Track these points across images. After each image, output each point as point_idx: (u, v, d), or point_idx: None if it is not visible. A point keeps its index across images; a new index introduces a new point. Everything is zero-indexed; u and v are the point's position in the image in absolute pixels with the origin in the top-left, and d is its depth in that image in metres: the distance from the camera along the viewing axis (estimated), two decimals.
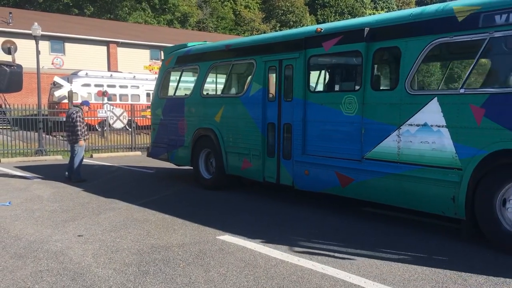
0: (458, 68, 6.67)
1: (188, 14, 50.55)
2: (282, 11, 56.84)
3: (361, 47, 6.55)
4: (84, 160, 10.89)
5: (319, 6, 60.02)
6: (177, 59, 10.27)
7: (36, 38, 16.01)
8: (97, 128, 19.26)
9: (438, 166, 5.67)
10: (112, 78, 24.98)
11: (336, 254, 5.15)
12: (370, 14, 51.53)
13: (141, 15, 47.61)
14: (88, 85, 23.46)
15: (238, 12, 56.11)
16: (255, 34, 49.46)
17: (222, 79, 9.44)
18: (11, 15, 31.76)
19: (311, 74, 7.56)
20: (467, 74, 5.75)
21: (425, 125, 5.80)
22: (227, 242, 5.61)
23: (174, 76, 10.61)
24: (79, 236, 5.91)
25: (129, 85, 25.18)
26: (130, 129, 17.75)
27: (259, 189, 8.97)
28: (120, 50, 35.50)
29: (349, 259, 4.98)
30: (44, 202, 8.03)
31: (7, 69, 4.09)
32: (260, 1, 58.71)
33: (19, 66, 4.21)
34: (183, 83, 10.73)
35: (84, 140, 10.59)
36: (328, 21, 52.97)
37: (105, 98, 22.11)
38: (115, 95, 24.39)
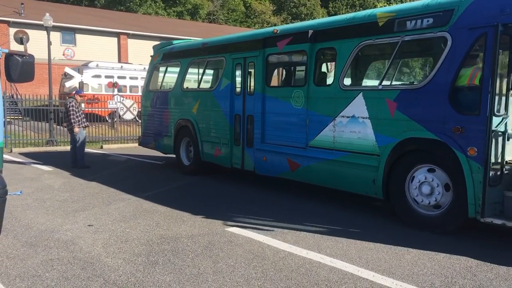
0: (379, 67, 7.61)
1: (198, 6, 50.46)
2: (294, 4, 56.54)
3: (306, 47, 7.39)
4: (94, 151, 11.01)
5: None
6: (163, 56, 11.23)
7: (47, 29, 16.07)
8: (107, 119, 19.35)
9: (363, 153, 6.50)
10: (123, 69, 25.05)
11: (345, 248, 5.14)
12: (381, 7, 51.02)
13: (152, 6, 47.60)
14: (98, 76, 23.55)
15: (248, 4, 55.92)
16: (266, 26, 49.31)
17: (199, 74, 10.26)
18: (23, 5, 31.93)
19: (268, 71, 8.37)
20: (384, 72, 6.64)
21: (353, 116, 6.62)
22: (236, 234, 5.63)
23: (160, 71, 11.53)
24: (89, 225, 5.96)
25: (139, 76, 25.22)
26: (140, 121, 17.81)
27: (258, 180, 8.98)
28: (131, 42, 35.60)
29: (358, 253, 4.97)
30: (55, 192, 8.10)
31: (19, 59, 4.10)
32: None
33: (31, 56, 4.23)
34: (168, 78, 11.45)
35: (84, 127, 10.98)
36: (339, 14, 52.64)
37: (115, 89, 22.19)
38: (125, 86, 24.46)
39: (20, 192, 7.94)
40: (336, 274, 4.37)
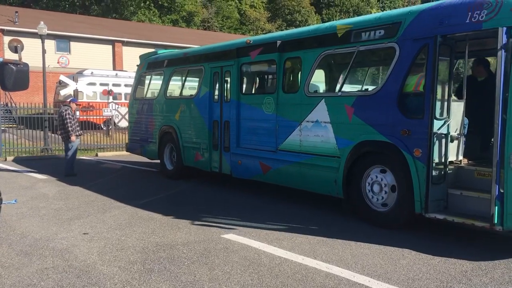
0: (339, 75, 7.98)
1: (193, 13, 50.57)
2: (288, 11, 56.77)
3: (276, 57, 7.81)
4: (89, 158, 11.01)
5: (324, 6, 59.91)
6: (148, 65, 11.71)
7: (42, 37, 16.08)
8: (102, 127, 19.31)
9: (325, 155, 6.90)
10: (117, 77, 25.04)
11: (340, 253, 5.15)
12: (375, 13, 51.37)
13: (146, 14, 47.66)
14: (93, 84, 23.53)
15: (243, 12, 56.08)
16: (260, 33, 49.47)
17: (181, 82, 10.82)
18: (17, 14, 31.92)
19: (242, 79, 8.84)
20: (342, 80, 7.13)
21: (317, 121, 7.03)
22: (232, 240, 5.63)
23: (146, 80, 12.04)
24: (84, 234, 5.94)
25: None
26: None
27: (250, 186, 8.98)
28: (126, 49, 35.59)
29: (353, 259, 4.98)
30: (50, 200, 8.07)
31: (13, 67, 4.10)
32: (266, 0, 58.62)
33: (26, 65, 4.23)
34: (152, 86, 11.87)
35: (77, 136, 10.98)
36: (333, 20, 52.90)
37: (110, 97, 22.16)
38: (120, 94, 24.45)
39: (15, 201, 7.92)
40: (332, 280, 4.37)
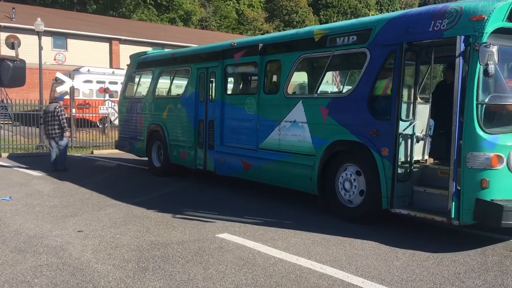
0: (316, 77, 8.11)
1: (191, 13, 50.49)
2: (286, 11, 56.79)
3: (257, 59, 8.14)
4: (84, 156, 11.07)
5: (322, 7, 59.97)
6: (137, 65, 12.02)
7: (38, 34, 16.03)
8: (98, 124, 19.25)
9: (302, 154, 7.22)
10: (114, 75, 24.97)
11: (335, 254, 5.16)
12: (373, 15, 51.50)
13: (145, 12, 47.54)
14: (90, 81, 23.44)
15: (241, 11, 56.05)
16: (258, 33, 49.47)
17: (168, 82, 11.05)
18: (14, 10, 31.79)
19: (227, 80, 9.13)
20: (318, 82, 7.38)
21: (294, 121, 7.36)
22: (226, 240, 5.63)
23: (136, 79, 12.33)
24: (79, 231, 5.93)
25: None
26: None
27: (247, 185, 8.98)
28: (122, 47, 35.50)
29: (348, 259, 4.99)
30: (45, 197, 8.05)
31: (10, 64, 4.11)
32: (263, 0, 58.61)
33: (22, 61, 4.23)
34: (141, 86, 12.13)
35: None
36: (331, 21, 52.96)
37: (107, 95, 22.10)
38: (116, 91, 24.32)
39: (10, 198, 7.90)
40: (326, 281, 4.39)
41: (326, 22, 52.51)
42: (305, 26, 48.81)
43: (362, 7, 60.34)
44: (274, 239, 5.68)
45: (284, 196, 8.28)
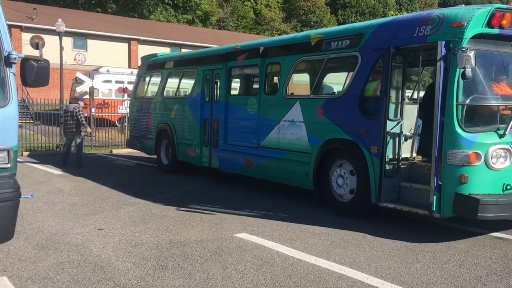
0: (312, 79, 8.63)
1: (209, 13, 50.68)
2: (303, 11, 56.64)
3: (259, 61, 8.56)
4: (104, 155, 11.32)
5: (340, 7, 59.66)
6: (148, 66, 12.55)
7: (60, 34, 16.28)
8: (117, 124, 19.45)
9: (299, 151, 7.59)
10: (133, 74, 25.06)
11: (353, 255, 5.13)
12: (392, 15, 51.09)
13: (163, 13, 47.87)
14: (109, 81, 23.70)
15: (258, 11, 56.06)
16: (275, 34, 49.45)
17: (176, 83, 11.52)
18: (35, 11, 32.32)
19: (230, 81, 9.59)
20: (314, 83, 7.86)
21: (292, 121, 7.75)
22: (245, 239, 5.64)
23: (146, 80, 12.80)
24: (99, 229, 6.01)
25: None
26: None
27: (264, 185, 8.98)
28: (141, 47, 35.78)
29: (367, 261, 4.96)
30: (65, 196, 8.17)
31: (34, 64, 4.17)
32: (281, 0, 58.53)
33: (46, 61, 4.29)
34: (151, 86, 12.56)
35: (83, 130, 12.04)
36: (348, 21, 52.67)
37: (125, 95, 22.31)
38: None
39: (31, 195, 7.98)
40: (345, 282, 4.36)
41: (344, 23, 52.24)
42: (322, 27, 48.85)
43: (381, 7, 59.84)
44: (293, 239, 5.68)
45: (298, 194, 8.25)
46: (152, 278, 4.36)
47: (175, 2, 48.39)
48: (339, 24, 49.33)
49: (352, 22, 41.19)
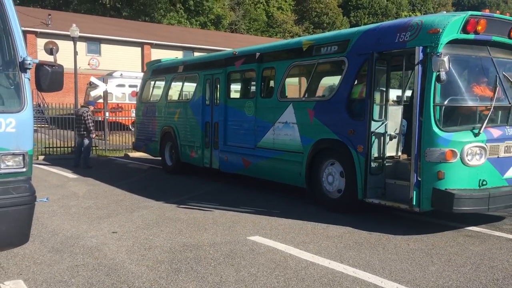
0: (305, 82, 8.94)
1: (221, 16, 50.86)
2: (316, 13, 56.54)
3: (255, 66, 8.97)
4: (117, 158, 11.45)
5: (352, 8, 59.44)
6: (152, 72, 13.03)
7: (74, 39, 16.46)
8: (130, 127, 19.60)
9: (293, 151, 7.99)
10: None
11: (367, 258, 5.09)
12: (406, 16, 50.80)
13: (175, 16, 48.14)
14: (122, 85, 23.87)
15: (270, 14, 56.09)
16: (288, 36, 49.41)
17: (179, 87, 12.06)
18: (50, 16, 32.72)
19: (229, 85, 10.08)
20: (306, 87, 8.31)
21: (286, 122, 8.15)
22: (258, 242, 5.64)
23: (151, 85, 13.25)
24: (113, 232, 6.05)
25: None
26: None
27: (278, 187, 8.96)
28: (154, 51, 36.03)
29: (381, 264, 4.92)
30: (80, 199, 8.24)
31: (49, 69, 4.22)
32: (293, 3, 58.51)
33: (60, 66, 4.34)
34: (156, 91, 13.13)
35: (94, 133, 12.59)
36: (361, 23, 52.44)
37: None
38: None
39: (47, 199, 8.05)
40: (359, 285, 4.33)
41: (357, 24, 52.05)
42: (335, 29, 48.80)
43: (394, 7, 59.48)
44: (306, 242, 5.65)
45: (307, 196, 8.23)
46: (165, 281, 4.38)
47: (187, 6, 48.66)
48: (351, 26, 49.08)
49: (364, 24, 41.10)
